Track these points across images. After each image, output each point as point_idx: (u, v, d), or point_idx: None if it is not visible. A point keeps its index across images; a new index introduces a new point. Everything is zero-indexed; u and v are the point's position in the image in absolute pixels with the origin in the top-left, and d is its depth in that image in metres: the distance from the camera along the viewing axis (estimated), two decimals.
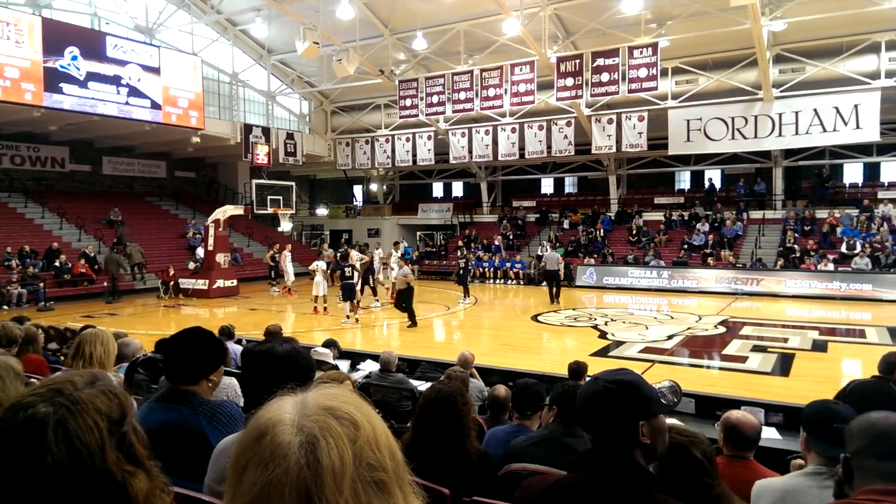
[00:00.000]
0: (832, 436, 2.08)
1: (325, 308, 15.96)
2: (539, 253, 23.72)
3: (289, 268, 19.89)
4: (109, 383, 1.10)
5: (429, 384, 5.89)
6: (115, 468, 1.01)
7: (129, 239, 21.71)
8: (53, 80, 18.25)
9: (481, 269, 23.77)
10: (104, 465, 0.99)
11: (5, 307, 16.56)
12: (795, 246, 20.28)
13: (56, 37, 18.43)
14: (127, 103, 20.21)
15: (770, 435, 5.43)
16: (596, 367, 7.87)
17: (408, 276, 14.37)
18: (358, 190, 36.54)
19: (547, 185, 31.58)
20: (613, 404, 1.61)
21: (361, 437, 0.82)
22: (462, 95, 22.69)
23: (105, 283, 18.84)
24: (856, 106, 19.20)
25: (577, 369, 5.92)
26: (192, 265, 21.73)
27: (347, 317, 14.79)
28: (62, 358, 6.42)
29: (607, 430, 1.62)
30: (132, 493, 1.01)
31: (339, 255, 16.11)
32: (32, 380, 2.81)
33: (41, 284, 17.79)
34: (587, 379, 1.77)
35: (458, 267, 18.97)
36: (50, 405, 0.99)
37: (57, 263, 18.99)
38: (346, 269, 15.05)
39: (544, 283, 18.92)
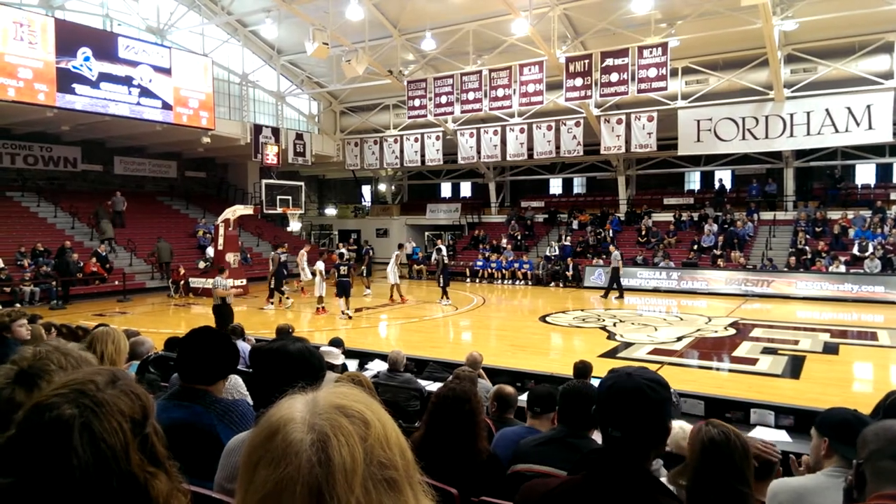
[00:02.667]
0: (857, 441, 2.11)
1: (322, 307, 16.13)
2: (546, 254, 23.80)
3: (305, 265, 19.88)
4: (131, 383, 1.10)
5: (437, 384, 5.91)
6: (138, 470, 1.01)
7: (105, 215, 22.41)
8: (66, 80, 18.39)
9: (489, 270, 23.79)
10: (128, 467, 1.00)
11: (18, 305, 16.72)
12: (807, 247, 20.13)
13: (69, 38, 18.58)
14: (138, 104, 20.34)
15: (780, 438, 5.40)
16: (604, 368, 7.86)
17: (223, 289, 12.28)
18: (366, 190, 36.60)
19: (555, 186, 31.50)
20: (655, 403, 1.58)
21: (372, 435, 0.83)
22: (471, 96, 22.68)
23: (157, 273, 21.26)
24: (868, 106, 19.04)
25: (583, 369, 5.91)
26: (202, 264, 21.86)
27: (343, 312, 15.15)
28: None
29: (643, 428, 1.58)
30: (153, 494, 1.02)
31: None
32: None
33: (53, 283, 17.94)
34: (613, 372, 1.71)
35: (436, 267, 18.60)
36: (74, 406, 0.99)
37: (69, 262, 19.12)
38: (341, 266, 15.26)
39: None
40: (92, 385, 1.04)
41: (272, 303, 17.26)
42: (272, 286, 17.49)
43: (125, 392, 1.06)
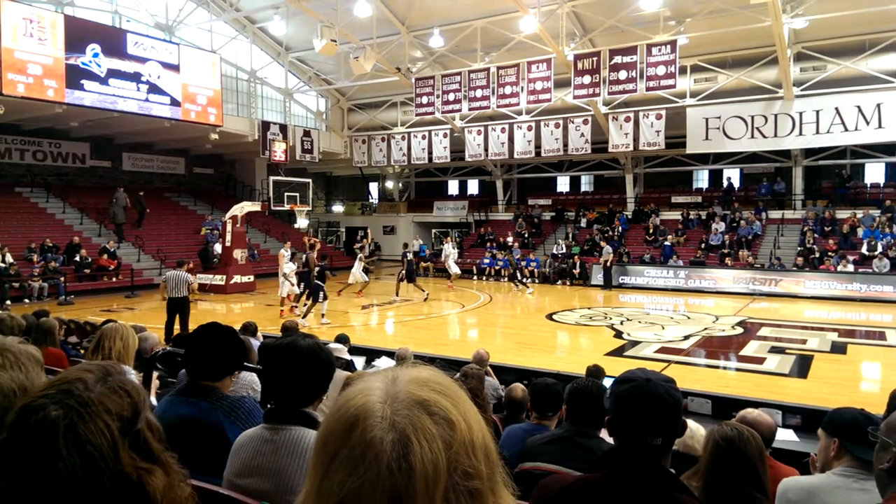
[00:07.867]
0: (868, 440, 2.12)
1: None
2: (554, 252, 23.77)
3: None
4: (121, 379, 1.07)
5: None
6: (130, 468, 0.99)
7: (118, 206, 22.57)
8: (75, 76, 18.47)
9: (496, 268, 23.76)
10: (118, 467, 0.98)
11: (27, 301, 16.83)
12: (815, 247, 20.02)
13: (78, 34, 18.65)
14: (147, 100, 20.41)
15: (788, 437, 5.39)
16: (612, 366, 7.84)
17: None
18: (374, 187, 36.65)
19: (563, 184, 31.42)
20: (677, 405, 1.62)
21: (457, 440, 0.76)
22: (478, 93, 22.63)
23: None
24: (878, 105, 18.91)
25: (597, 372, 5.91)
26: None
27: (322, 315, 14.06)
28: (82, 351, 6.52)
29: (672, 432, 1.62)
30: (149, 490, 1.01)
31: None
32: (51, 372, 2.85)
33: (62, 279, 18.04)
34: (630, 382, 1.69)
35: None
36: (60, 408, 0.97)
37: (77, 258, 19.26)
38: (320, 270, 14.45)
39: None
40: (80, 384, 1.02)
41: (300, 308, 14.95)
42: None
43: (114, 389, 1.04)
